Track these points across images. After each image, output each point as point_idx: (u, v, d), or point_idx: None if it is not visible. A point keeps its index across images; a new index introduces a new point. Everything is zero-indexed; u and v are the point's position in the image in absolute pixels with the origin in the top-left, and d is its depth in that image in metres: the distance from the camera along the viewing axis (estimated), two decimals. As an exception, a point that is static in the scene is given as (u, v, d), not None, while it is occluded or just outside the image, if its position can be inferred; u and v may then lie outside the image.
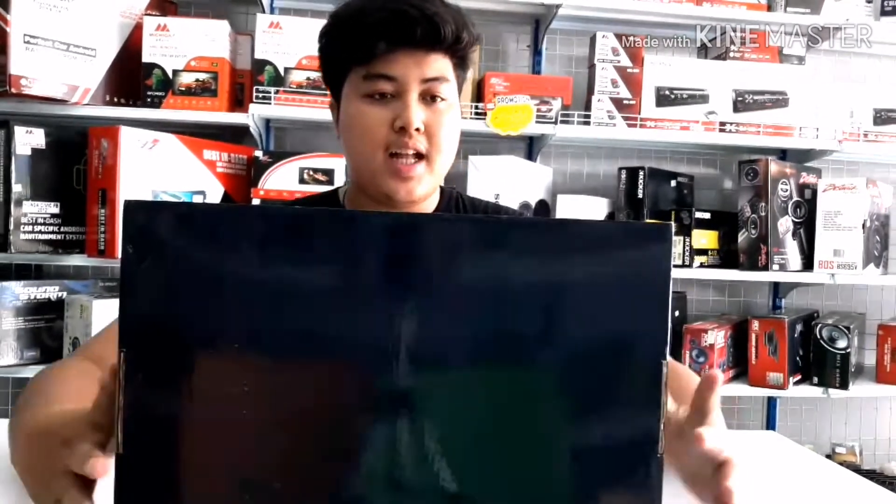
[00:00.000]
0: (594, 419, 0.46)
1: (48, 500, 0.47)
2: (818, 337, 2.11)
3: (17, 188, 1.68)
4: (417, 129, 0.79)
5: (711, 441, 0.46)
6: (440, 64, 0.80)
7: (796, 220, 2.12)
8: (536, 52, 2.22)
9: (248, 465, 0.45)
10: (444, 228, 0.46)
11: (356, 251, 0.45)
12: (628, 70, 2.05)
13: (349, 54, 0.81)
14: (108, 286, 1.87)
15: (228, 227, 0.42)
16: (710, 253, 2.11)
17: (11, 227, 1.68)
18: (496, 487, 0.46)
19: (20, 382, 1.95)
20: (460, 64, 0.84)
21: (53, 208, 1.75)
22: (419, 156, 0.81)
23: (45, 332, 1.77)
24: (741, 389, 2.11)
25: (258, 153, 1.87)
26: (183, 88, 1.81)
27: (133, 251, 0.42)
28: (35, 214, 1.72)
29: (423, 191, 0.82)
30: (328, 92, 0.90)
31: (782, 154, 2.27)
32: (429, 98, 0.81)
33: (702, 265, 2.08)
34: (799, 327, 2.14)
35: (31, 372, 1.74)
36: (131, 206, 0.42)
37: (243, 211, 0.42)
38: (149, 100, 1.81)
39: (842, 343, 2.07)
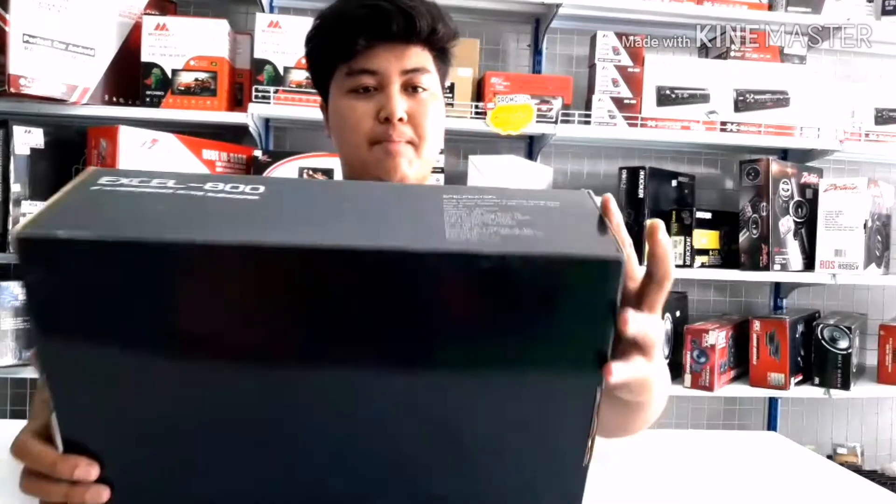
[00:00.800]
0: (522, 442, 0.46)
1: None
2: (819, 337, 2.10)
3: (15, 188, 1.68)
4: (401, 119, 0.81)
5: (635, 326, 0.44)
6: (419, 56, 0.83)
7: (797, 220, 2.11)
8: (537, 51, 2.22)
9: (179, 470, 0.47)
10: (355, 260, 0.41)
11: (254, 289, 0.41)
12: (629, 69, 2.05)
13: (332, 53, 0.84)
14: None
15: (116, 262, 0.40)
16: (711, 253, 2.10)
17: (10, 226, 1.67)
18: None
19: (20, 382, 1.94)
20: (440, 56, 0.87)
21: (52, 208, 1.74)
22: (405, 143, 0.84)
23: (44, 333, 1.77)
24: (742, 390, 2.11)
25: (257, 153, 1.87)
26: (182, 88, 1.81)
27: (31, 283, 0.40)
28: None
29: (413, 172, 0.84)
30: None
31: (783, 154, 2.26)
32: (410, 89, 0.83)
33: (703, 265, 2.07)
34: (800, 327, 2.13)
35: (31, 372, 1.74)
36: (22, 243, 0.39)
37: (135, 245, 0.40)
38: (148, 99, 1.81)
39: (843, 343, 2.07)
